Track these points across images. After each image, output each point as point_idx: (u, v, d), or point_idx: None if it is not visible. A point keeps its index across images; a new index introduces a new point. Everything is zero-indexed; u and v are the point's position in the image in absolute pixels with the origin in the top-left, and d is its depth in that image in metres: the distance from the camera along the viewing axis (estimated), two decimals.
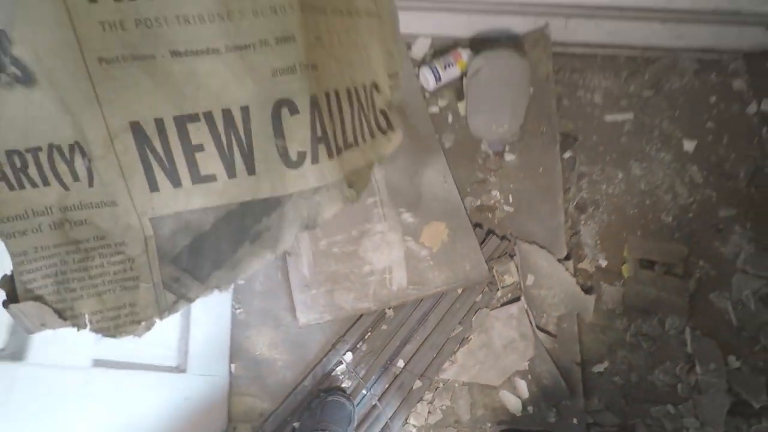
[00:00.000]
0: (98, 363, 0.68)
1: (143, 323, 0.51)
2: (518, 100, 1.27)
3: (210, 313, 1.05)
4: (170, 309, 0.52)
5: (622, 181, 1.31)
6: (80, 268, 0.49)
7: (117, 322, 0.50)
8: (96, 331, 0.50)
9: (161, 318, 0.52)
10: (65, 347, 0.63)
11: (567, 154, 1.33)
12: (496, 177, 1.30)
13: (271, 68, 0.47)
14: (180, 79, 0.44)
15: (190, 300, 0.52)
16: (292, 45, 0.47)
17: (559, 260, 1.20)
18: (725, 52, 1.42)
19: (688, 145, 1.33)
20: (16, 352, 0.58)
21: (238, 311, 1.18)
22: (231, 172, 0.48)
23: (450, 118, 1.35)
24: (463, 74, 1.33)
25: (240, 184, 0.49)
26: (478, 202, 1.29)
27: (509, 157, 1.31)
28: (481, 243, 1.22)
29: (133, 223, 0.48)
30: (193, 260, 0.50)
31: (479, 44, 1.38)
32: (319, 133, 0.51)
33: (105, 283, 0.50)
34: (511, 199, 1.28)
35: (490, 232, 1.25)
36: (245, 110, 0.47)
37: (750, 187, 1.29)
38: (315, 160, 0.51)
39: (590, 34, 1.38)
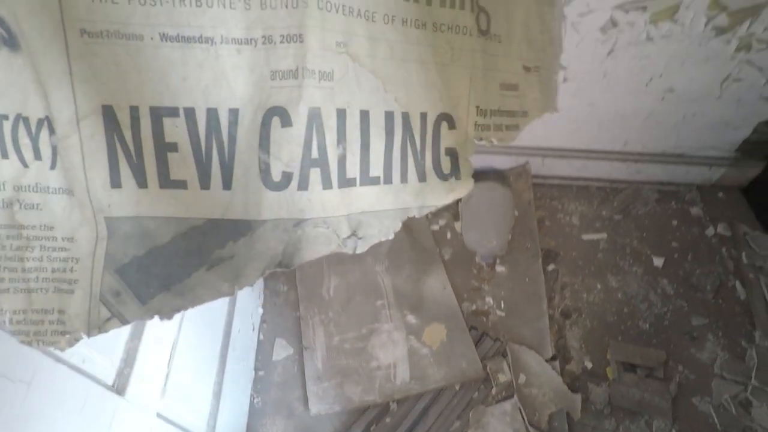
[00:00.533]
0: (159, 415, 0.80)
1: (67, 336, 0.45)
2: (504, 221, 1.53)
3: (235, 398, 1.19)
4: (100, 327, 0.46)
5: (601, 291, 1.48)
6: (16, 257, 0.43)
7: (39, 329, 0.45)
8: (13, 333, 0.44)
9: (88, 335, 0.46)
10: (141, 390, 0.73)
11: (551, 267, 1.53)
12: (489, 285, 1.50)
13: (270, 69, 0.41)
14: (165, 66, 0.39)
15: (125, 321, 0.46)
16: (298, 46, 0.41)
17: (546, 360, 1.33)
18: (680, 184, 1.69)
19: (657, 261, 1.52)
20: (120, 388, 0.66)
21: (255, 400, 1.31)
22: (204, 182, 0.42)
23: (448, 235, 1.60)
24: (459, 199, 1.61)
25: (211, 198, 0.43)
26: (474, 307, 1.46)
27: (500, 268, 1.52)
28: (477, 343, 1.37)
29: (87, 219, 0.42)
30: (141, 275, 0.44)
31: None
32: (315, 154, 0.44)
33: (39, 280, 0.44)
34: (502, 305, 1.46)
35: (484, 334, 1.41)
36: (234, 113, 0.42)
37: (717, 299, 1.44)
38: (303, 186, 0.44)
39: (564, 170, 1.68)
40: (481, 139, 0.52)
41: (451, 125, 0.50)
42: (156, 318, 0.46)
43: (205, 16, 0.39)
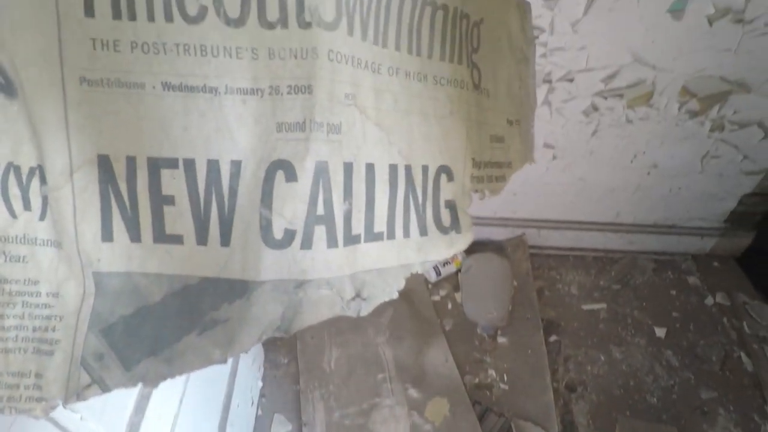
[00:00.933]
0: None
1: (43, 404, 0.42)
2: (504, 292, 1.55)
3: None
4: (79, 394, 0.42)
5: (605, 363, 1.46)
6: None
7: (13, 394, 0.41)
8: None
9: (66, 403, 0.42)
10: None
11: (552, 338, 1.53)
12: (492, 357, 1.48)
13: (277, 121, 0.40)
14: (166, 116, 0.38)
15: (106, 389, 0.43)
16: (307, 97, 0.40)
17: None
18: (675, 254, 1.73)
19: (660, 332, 1.52)
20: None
21: None
22: (201, 238, 0.41)
23: (449, 305, 1.61)
24: (458, 270, 1.65)
25: (208, 255, 0.41)
26: (476, 380, 1.44)
27: (501, 339, 1.51)
28: (480, 419, 1.33)
29: (75, 273, 0.41)
30: (128, 337, 0.42)
31: (470, 247, 1.74)
32: (321, 210, 0.42)
33: (18, 340, 0.41)
34: (505, 378, 1.43)
35: (488, 409, 1.37)
36: (236, 165, 0.40)
37: (724, 371, 1.42)
38: (306, 244, 0.42)
39: (559, 241, 1.73)
40: (476, 191, 0.53)
41: (450, 177, 0.50)
42: (139, 386, 0.43)
43: (210, 65, 0.38)
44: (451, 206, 0.51)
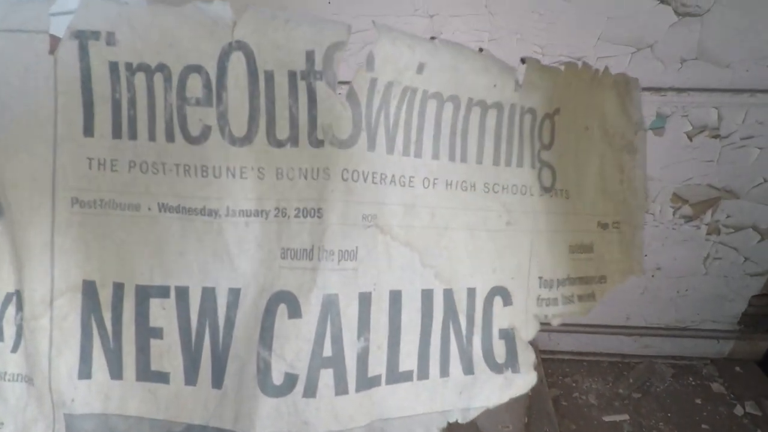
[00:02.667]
0: None
1: None
2: (517, 402, 1.46)
3: None
4: None
5: None
6: None
7: None
8: None
9: None
10: None
11: None
12: None
13: (282, 246, 0.36)
14: (161, 239, 0.35)
15: None
16: (316, 222, 0.36)
17: None
18: (693, 358, 1.66)
19: None
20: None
21: None
22: (190, 376, 0.36)
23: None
24: None
25: (197, 397, 0.36)
26: None
27: None
28: None
29: (45, 414, 0.36)
30: None
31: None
32: (328, 352, 0.37)
33: None
34: None
35: None
36: (234, 293, 0.36)
37: None
38: (310, 392, 0.36)
39: (572, 344, 1.68)
40: (546, 316, 0.43)
41: (507, 301, 0.43)
42: None
43: (210, 187, 0.35)
44: (508, 337, 0.43)
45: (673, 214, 1.36)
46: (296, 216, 0.36)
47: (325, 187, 0.36)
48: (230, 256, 0.36)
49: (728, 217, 1.35)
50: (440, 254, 0.41)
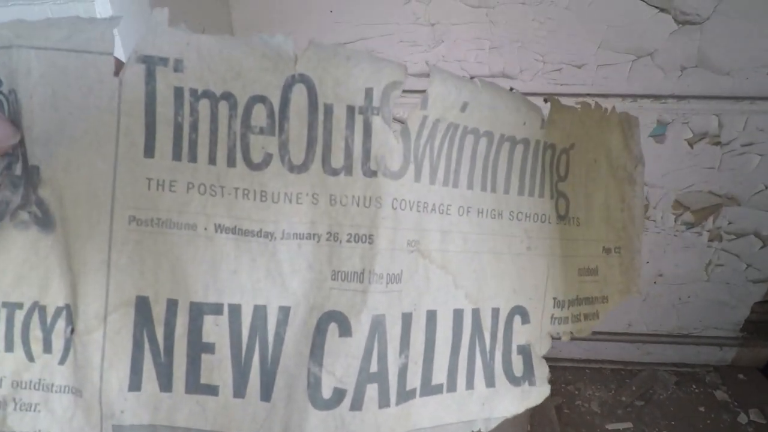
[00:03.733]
0: None
1: None
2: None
3: None
4: None
5: None
6: None
7: None
8: None
9: None
10: None
11: None
12: None
13: (332, 269, 0.38)
14: (216, 258, 0.37)
15: None
16: (367, 247, 0.38)
17: None
18: (696, 365, 1.65)
19: None
20: None
21: None
22: (239, 390, 0.37)
23: None
24: None
25: (245, 410, 0.38)
26: None
27: None
28: None
29: (92, 425, 0.37)
30: None
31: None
32: (374, 368, 0.39)
33: None
34: None
35: None
36: (284, 311, 0.38)
37: None
38: (356, 405, 0.38)
39: (574, 352, 1.67)
40: (557, 333, 0.47)
41: (525, 319, 0.45)
42: None
43: (268, 210, 0.36)
44: (525, 352, 0.45)
45: (675, 221, 1.36)
46: (348, 241, 0.38)
47: (377, 215, 0.38)
48: (282, 276, 0.37)
49: (730, 223, 1.35)
50: (470, 276, 0.43)
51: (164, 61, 0.33)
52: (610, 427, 1.50)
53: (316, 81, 0.35)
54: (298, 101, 0.35)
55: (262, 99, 0.35)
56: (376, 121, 0.36)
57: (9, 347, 0.36)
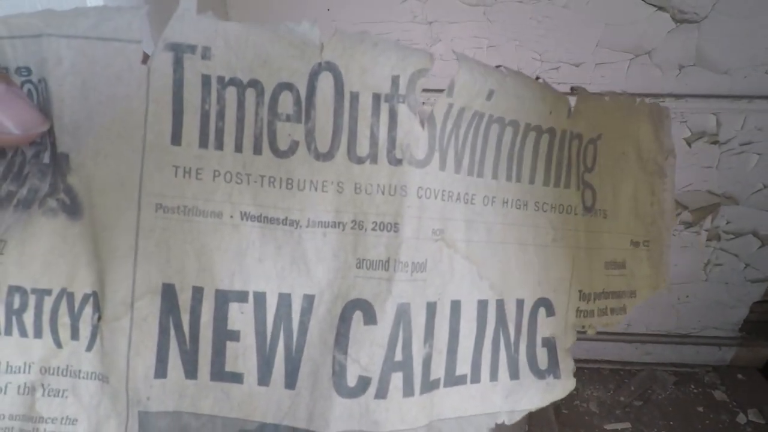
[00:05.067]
0: None
1: None
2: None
3: None
4: None
5: None
6: None
7: None
8: None
9: None
10: None
11: None
12: None
13: (357, 257, 0.38)
14: (241, 246, 0.37)
15: None
16: (392, 235, 0.38)
17: None
18: (695, 365, 1.65)
19: None
20: None
21: None
22: (264, 377, 0.38)
23: None
24: None
25: (270, 397, 0.38)
26: None
27: None
28: None
29: (118, 412, 0.38)
30: None
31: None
32: (399, 356, 0.39)
33: None
34: None
35: None
36: (308, 299, 0.38)
37: None
38: (381, 393, 0.38)
39: (572, 352, 1.67)
40: (583, 327, 0.46)
41: (550, 312, 0.45)
42: None
43: (294, 198, 0.36)
44: (550, 345, 0.45)
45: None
46: (373, 229, 0.38)
47: (402, 203, 0.38)
48: (307, 264, 0.37)
49: (728, 223, 1.35)
50: (495, 267, 0.43)
51: (192, 48, 0.33)
52: (608, 427, 1.49)
53: (342, 69, 0.35)
54: (325, 89, 0.35)
55: (288, 86, 0.35)
56: (402, 109, 0.36)
57: (38, 333, 0.36)
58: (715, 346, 1.61)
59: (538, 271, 0.45)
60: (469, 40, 1.17)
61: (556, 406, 1.54)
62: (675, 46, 1.14)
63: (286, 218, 0.37)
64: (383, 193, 0.37)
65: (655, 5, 1.11)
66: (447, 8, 1.14)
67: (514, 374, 0.44)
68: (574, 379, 0.46)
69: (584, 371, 1.65)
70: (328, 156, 0.37)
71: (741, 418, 1.48)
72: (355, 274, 0.38)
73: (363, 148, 0.37)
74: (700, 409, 1.52)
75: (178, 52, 0.33)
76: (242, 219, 0.36)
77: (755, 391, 1.56)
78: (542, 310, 0.45)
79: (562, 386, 0.45)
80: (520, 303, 0.44)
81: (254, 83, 0.35)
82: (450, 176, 0.40)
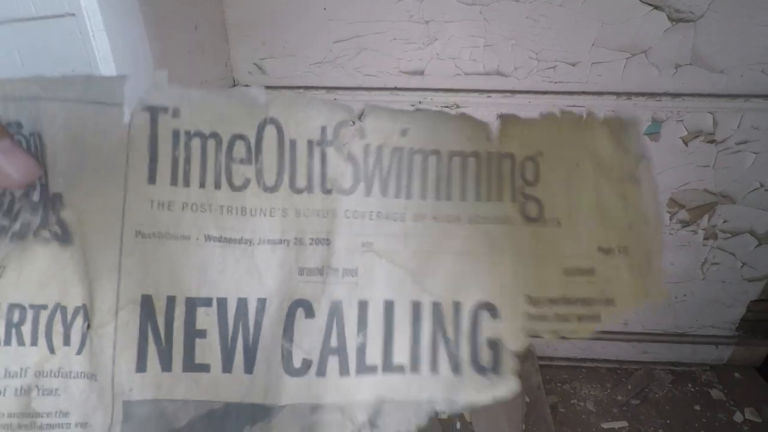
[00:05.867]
0: None
1: None
2: (515, 409, 1.45)
3: None
4: None
5: None
6: None
7: None
8: None
9: None
10: None
11: None
12: None
13: (299, 266, 0.47)
14: (206, 262, 0.45)
15: None
16: (325, 248, 0.47)
17: None
18: (692, 364, 1.65)
19: None
20: None
21: None
22: (227, 366, 0.46)
23: (458, 425, 1.50)
24: None
25: (232, 381, 0.46)
26: None
27: None
28: None
29: (105, 404, 0.44)
30: None
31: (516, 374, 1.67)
32: (335, 343, 0.47)
33: None
34: None
35: None
36: (262, 302, 0.46)
37: None
38: (321, 372, 0.47)
39: (570, 351, 1.67)
40: (537, 332, 0.47)
41: (494, 314, 0.48)
42: None
43: (248, 222, 0.45)
44: (495, 346, 0.48)
45: (670, 220, 1.35)
46: (311, 244, 0.47)
47: (333, 223, 0.47)
48: (259, 274, 0.46)
49: (725, 222, 1.35)
50: (429, 273, 0.49)
51: (165, 109, 0.42)
52: (605, 426, 1.49)
53: (282, 122, 0.45)
54: (270, 138, 0.45)
55: (241, 137, 0.44)
56: (330, 151, 0.46)
57: (34, 342, 0.42)
58: (712, 344, 1.61)
59: (477, 277, 0.48)
60: (466, 39, 1.17)
61: (553, 405, 1.54)
62: (671, 45, 1.14)
63: (242, 238, 0.45)
64: (318, 216, 0.46)
65: (651, 4, 1.11)
66: (443, 7, 1.14)
67: (456, 369, 0.47)
68: (518, 379, 0.47)
69: (581, 370, 1.66)
70: (274, 188, 0.46)
71: (738, 417, 1.48)
72: (298, 280, 0.46)
73: (301, 181, 0.46)
74: (697, 407, 1.52)
75: (153, 112, 0.42)
76: (206, 240, 0.44)
77: (752, 390, 1.56)
78: (485, 313, 0.48)
79: (504, 384, 0.47)
80: (457, 305, 0.48)
81: (214, 135, 0.43)
82: (377, 199, 0.48)
